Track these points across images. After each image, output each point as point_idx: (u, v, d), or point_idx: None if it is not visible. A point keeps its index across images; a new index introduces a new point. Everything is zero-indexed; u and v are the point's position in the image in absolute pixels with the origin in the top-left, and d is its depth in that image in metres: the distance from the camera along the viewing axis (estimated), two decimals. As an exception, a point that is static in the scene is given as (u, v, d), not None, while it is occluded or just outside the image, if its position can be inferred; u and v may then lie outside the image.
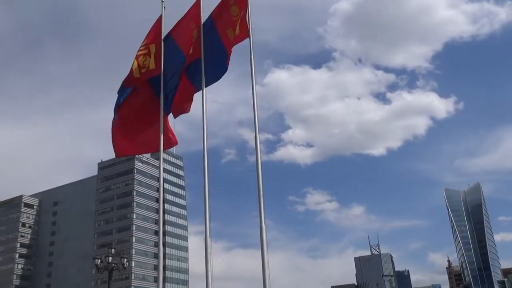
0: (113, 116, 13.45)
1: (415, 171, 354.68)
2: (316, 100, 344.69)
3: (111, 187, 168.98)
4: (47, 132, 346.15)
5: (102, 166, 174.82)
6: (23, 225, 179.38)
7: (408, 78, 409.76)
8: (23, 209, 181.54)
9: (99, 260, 27.76)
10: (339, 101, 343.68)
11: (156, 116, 13.49)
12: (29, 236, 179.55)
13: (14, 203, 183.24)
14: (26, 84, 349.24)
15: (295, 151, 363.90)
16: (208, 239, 11.35)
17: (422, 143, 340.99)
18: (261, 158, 11.75)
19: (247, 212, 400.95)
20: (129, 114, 13.35)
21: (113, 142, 13.30)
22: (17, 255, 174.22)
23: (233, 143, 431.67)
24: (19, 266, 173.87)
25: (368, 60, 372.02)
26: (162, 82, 13.34)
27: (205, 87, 13.15)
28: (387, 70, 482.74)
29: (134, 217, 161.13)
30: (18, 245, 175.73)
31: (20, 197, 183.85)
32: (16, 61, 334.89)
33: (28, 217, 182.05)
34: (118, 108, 13.40)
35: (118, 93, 13.57)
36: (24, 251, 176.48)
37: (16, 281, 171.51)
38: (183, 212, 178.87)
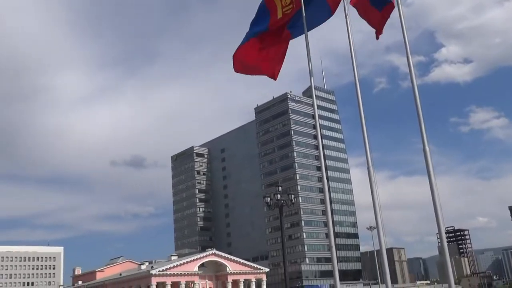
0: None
1: None
2: (469, 11, 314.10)
3: (269, 130, 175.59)
4: (204, 85, 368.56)
5: (259, 110, 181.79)
6: (198, 173, 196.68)
7: None
8: (196, 158, 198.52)
9: (269, 198, 29.35)
10: (497, 6, 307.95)
11: (281, 46, 13.31)
12: (204, 182, 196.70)
13: (188, 154, 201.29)
14: (178, 45, 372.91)
15: (451, 69, 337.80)
16: (371, 168, 11.23)
17: None
18: (416, 80, 11.13)
19: (406, 139, 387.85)
20: (258, 41, 13.24)
21: (233, 58, 13.41)
22: (197, 200, 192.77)
23: (382, 71, 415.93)
24: (201, 210, 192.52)
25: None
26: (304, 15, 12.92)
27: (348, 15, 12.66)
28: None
29: (295, 155, 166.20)
30: (197, 191, 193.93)
31: (192, 148, 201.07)
32: (166, 26, 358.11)
33: (201, 165, 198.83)
34: (250, 36, 13.24)
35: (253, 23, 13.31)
36: (202, 196, 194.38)
37: (200, 223, 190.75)
38: (341, 145, 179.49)
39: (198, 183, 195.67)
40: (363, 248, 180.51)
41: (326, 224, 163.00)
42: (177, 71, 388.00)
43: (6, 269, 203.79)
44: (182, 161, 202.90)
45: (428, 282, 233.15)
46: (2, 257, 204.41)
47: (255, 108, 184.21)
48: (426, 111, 10.65)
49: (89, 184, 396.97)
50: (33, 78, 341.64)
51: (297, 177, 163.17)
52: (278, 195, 28.60)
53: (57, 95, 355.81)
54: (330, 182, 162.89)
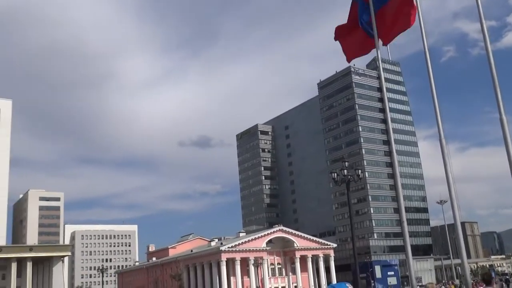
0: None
1: None
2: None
3: (333, 105, 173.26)
4: (266, 63, 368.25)
5: (322, 85, 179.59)
6: (263, 150, 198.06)
7: None
8: (260, 136, 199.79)
9: (335, 174, 29.10)
10: None
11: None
12: (269, 160, 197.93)
13: (252, 132, 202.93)
14: (239, 25, 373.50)
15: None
16: (443, 140, 10.79)
17: None
18: (490, 46, 10.50)
19: (477, 109, 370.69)
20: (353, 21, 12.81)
21: (343, 47, 13.10)
22: (263, 177, 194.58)
23: (450, 39, 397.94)
24: (267, 187, 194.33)
25: None
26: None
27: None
28: None
29: (360, 130, 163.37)
30: (262, 168, 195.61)
31: (256, 126, 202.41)
32: (227, 6, 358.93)
33: (266, 143, 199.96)
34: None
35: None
36: (268, 173, 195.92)
37: (267, 200, 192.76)
38: (408, 118, 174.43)
39: (263, 160, 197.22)
40: (433, 223, 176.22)
41: (394, 199, 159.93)
42: (239, 50, 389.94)
43: (87, 247, 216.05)
44: (247, 139, 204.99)
45: (504, 256, 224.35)
46: (83, 236, 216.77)
47: (318, 83, 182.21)
48: (499, 78, 10.07)
49: (159, 165, 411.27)
50: (102, 65, 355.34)
51: (363, 152, 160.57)
52: (345, 171, 28.27)
53: (126, 79, 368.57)
54: (398, 156, 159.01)
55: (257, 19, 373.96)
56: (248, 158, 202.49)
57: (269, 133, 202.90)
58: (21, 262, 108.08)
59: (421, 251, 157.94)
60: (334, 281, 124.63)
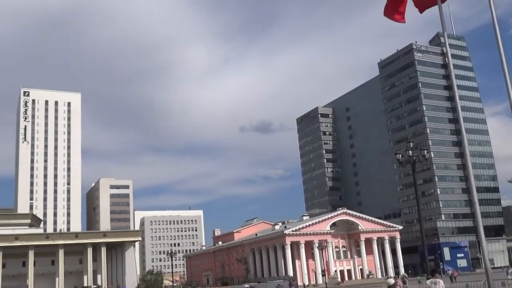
0: None
1: None
2: None
3: (395, 84, 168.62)
4: (324, 46, 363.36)
5: (382, 65, 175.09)
6: (324, 133, 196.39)
7: None
8: (321, 119, 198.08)
9: (400, 155, 28.38)
10: None
11: None
12: (331, 143, 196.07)
13: (312, 115, 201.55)
14: (296, 8, 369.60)
15: None
16: (517, 117, 10.19)
17: None
18: None
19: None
20: None
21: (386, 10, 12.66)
22: (325, 160, 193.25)
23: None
24: (329, 170, 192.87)
25: None
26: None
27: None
28: None
29: (424, 108, 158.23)
30: (324, 151, 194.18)
31: (316, 109, 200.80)
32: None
33: (327, 126, 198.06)
34: None
35: None
36: (330, 156, 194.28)
37: (329, 183, 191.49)
38: (475, 94, 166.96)
39: (325, 143, 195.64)
40: (504, 203, 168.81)
41: (462, 179, 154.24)
42: (296, 34, 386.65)
43: (155, 232, 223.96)
44: (308, 122, 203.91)
45: None
46: (151, 221, 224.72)
47: (378, 63, 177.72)
48: None
49: (221, 151, 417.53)
50: (163, 55, 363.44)
51: (428, 131, 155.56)
52: (410, 151, 27.49)
53: (186, 68, 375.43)
54: (466, 134, 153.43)
55: (314, 1, 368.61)
56: (309, 141, 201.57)
57: (330, 115, 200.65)
58: (96, 247, 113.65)
59: (492, 232, 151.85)
60: (401, 263, 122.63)
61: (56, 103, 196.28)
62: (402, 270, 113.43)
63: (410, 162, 27.73)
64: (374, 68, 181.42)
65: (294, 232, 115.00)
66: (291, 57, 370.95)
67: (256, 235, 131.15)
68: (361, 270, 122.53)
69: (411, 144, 29.16)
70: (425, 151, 28.82)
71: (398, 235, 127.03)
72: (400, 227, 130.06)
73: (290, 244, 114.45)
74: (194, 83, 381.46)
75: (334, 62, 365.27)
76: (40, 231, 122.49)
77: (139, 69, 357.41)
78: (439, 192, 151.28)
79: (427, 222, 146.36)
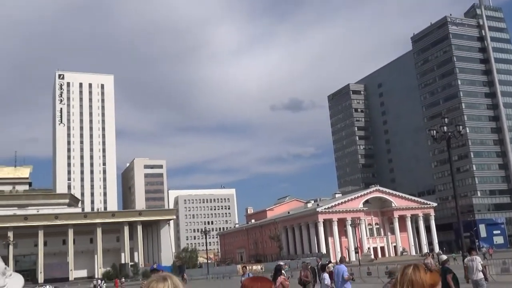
0: None
1: None
2: None
3: (429, 58, 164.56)
4: (354, 22, 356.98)
5: (416, 39, 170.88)
6: (356, 110, 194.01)
7: None
8: (352, 96, 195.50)
9: (434, 131, 27.86)
10: None
11: None
12: (363, 120, 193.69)
13: (344, 92, 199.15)
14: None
15: None
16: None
17: None
18: None
19: None
20: None
21: None
22: (357, 138, 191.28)
23: None
24: (361, 147, 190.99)
25: None
26: None
27: None
28: None
29: (459, 83, 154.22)
30: (356, 128, 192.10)
31: (347, 86, 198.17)
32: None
33: (358, 103, 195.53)
34: None
35: None
36: (362, 133, 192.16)
37: (362, 160, 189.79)
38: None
39: (357, 120, 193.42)
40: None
41: (498, 155, 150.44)
42: (326, 11, 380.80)
43: (189, 210, 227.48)
44: (339, 99, 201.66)
45: None
46: (185, 200, 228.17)
47: (411, 37, 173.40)
48: None
49: (252, 130, 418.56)
50: (193, 36, 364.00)
51: (463, 107, 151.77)
52: (445, 127, 26.96)
53: (216, 48, 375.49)
54: (505, 109, 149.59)
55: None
56: (341, 119, 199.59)
57: (362, 92, 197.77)
58: (132, 225, 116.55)
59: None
60: (435, 240, 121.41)
61: (90, 85, 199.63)
62: (436, 247, 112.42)
63: (445, 138, 27.22)
64: (407, 43, 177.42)
65: (327, 210, 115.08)
66: (321, 34, 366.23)
67: (289, 213, 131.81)
68: (395, 247, 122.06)
69: (446, 119, 28.58)
70: (461, 127, 28.26)
71: (432, 212, 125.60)
72: (435, 204, 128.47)
73: (323, 222, 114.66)
74: (225, 63, 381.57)
75: (365, 38, 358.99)
76: (78, 210, 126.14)
77: (170, 50, 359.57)
78: (474, 168, 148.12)
79: (462, 199, 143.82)
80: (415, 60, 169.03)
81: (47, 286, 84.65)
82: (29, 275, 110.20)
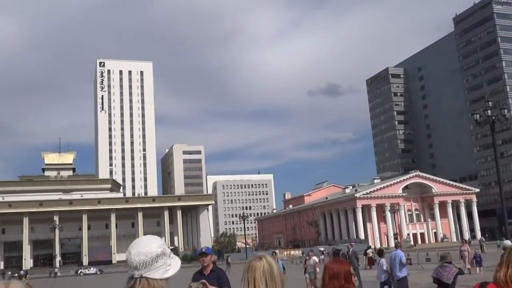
0: None
1: None
2: None
3: (471, 40, 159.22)
4: (392, 5, 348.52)
5: (458, 20, 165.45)
6: (395, 94, 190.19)
7: None
8: (391, 80, 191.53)
9: (478, 115, 27.04)
10: None
11: None
12: (402, 104, 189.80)
13: (383, 76, 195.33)
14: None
15: None
16: None
17: None
18: None
19: None
20: None
21: None
22: (396, 122, 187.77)
23: None
24: (400, 132, 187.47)
25: None
26: None
27: None
28: None
29: (504, 65, 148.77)
30: (395, 113, 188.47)
31: (386, 69, 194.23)
32: None
33: (398, 87, 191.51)
34: None
35: None
36: (401, 117, 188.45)
37: (401, 145, 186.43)
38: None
39: (396, 105, 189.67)
40: None
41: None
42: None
43: (227, 196, 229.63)
44: (378, 83, 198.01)
45: None
46: (223, 185, 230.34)
47: (453, 18, 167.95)
48: None
49: (289, 115, 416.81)
50: (232, 21, 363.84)
51: (508, 89, 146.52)
52: (488, 111, 26.11)
53: (254, 34, 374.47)
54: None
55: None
56: (379, 103, 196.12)
57: (401, 76, 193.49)
58: (171, 210, 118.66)
59: None
60: (477, 226, 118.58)
61: (130, 72, 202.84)
62: (478, 234, 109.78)
63: (488, 122, 26.38)
64: (449, 24, 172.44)
65: (365, 195, 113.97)
66: (358, 18, 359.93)
67: (327, 198, 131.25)
68: (435, 233, 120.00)
69: (490, 103, 27.67)
70: (505, 110, 27.26)
71: (474, 198, 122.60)
72: (477, 190, 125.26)
73: (361, 207, 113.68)
74: (263, 48, 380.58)
75: (404, 21, 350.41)
76: (120, 195, 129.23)
77: (208, 37, 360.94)
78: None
79: (506, 184, 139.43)
80: (457, 42, 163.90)
81: (92, 269, 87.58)
82: (74, 257, 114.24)
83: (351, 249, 28.18)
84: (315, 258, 22.98)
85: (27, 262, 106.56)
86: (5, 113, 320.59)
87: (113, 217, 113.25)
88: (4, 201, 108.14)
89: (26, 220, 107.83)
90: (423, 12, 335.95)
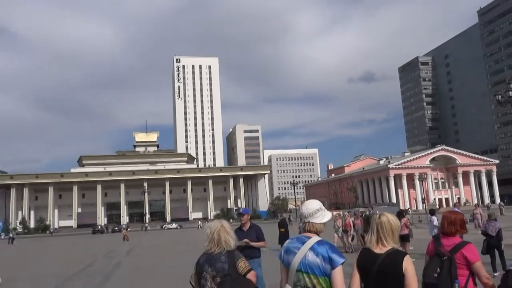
0: None
1: None
2: None
3: (494, 30, 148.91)
4: (417, 4, 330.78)
5: (482, 12, 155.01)
6: (424, 79, 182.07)
7: None
8: (421, 67, 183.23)
9: (500, 96, 25.43)
10: None
11: None
12: (430, 88, 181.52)
13: (413, 64, 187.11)
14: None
15: None
16: None
17: None
18: None
19: None
20: None
21: None
22: (424, 104, 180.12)
23: None
24: (428, 112, 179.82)
25: None
26: None
27: None
28: None
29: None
30: (424, 96, 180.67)
31: (416, 58, 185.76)
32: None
33: (426, 73, 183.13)
34: None
35: None
36: (429, 99, 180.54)
37: (429, 123, 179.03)
38: None
39: (425, 89, 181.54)
40: None
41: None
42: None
43: (280, 167, 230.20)
44: (408, 71, 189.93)
45: None
46: (277, 158, 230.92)
47: (478, 11, 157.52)
48: None
49: (333, 99, 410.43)
50: (280, 20, 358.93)
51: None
52: (510, 92, 24.51)
53: (300, 30, 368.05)
54: None
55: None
56: (410, 87, 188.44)
57: (429, 63, 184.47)
58: (235, 178, 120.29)
59: None
60: (497, 193, 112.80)
61: (200, 66, 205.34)
62: (497, 199, 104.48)
63: (509, 102, 24.79)
64: (473, 16, 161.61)
65: (397, 166, 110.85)
66: (391, 13, 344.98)
67: (363, 168, 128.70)
68: (458, 199, 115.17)
69: (511, 85, 25.92)
70: (525, 91, 25.40)
71: (494, 169, 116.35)
72: (497, 161, 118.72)
73: (393, 177, 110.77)
74: (308, 43, 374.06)
75: (434, 13, 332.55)
76: (194, 166, 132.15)
77: (262, 34, 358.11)
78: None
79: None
80: (481, 32, 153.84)
81: (173, 224, 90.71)
82: (159, 215, 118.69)
83: (372, 210, 27.43)
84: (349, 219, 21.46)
85: (124, 219, 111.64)
86: (107, 101, 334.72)
87: (189, 184, 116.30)
88: (106, 171, 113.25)
89: (122, 186, 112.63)
90: (450, 5, 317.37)
